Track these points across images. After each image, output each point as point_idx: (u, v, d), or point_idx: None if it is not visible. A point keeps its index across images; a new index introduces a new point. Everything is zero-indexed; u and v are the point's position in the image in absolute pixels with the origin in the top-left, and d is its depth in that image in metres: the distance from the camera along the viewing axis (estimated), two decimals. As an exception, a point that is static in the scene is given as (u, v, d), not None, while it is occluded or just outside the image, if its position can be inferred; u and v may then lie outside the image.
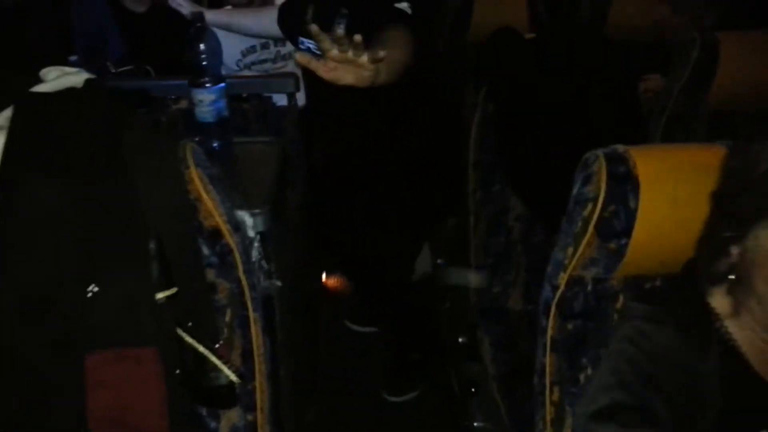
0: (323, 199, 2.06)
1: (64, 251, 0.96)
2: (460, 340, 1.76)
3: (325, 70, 1.23)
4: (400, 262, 2.15)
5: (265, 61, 2.75)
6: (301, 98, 2.27)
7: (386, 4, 1.57)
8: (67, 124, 1.01)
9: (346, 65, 1.23)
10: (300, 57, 1.25)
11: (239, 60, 2.73)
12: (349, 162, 1.99)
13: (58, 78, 1.18)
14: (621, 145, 1.03)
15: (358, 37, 1.20)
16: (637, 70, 1.83)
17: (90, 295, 0.96)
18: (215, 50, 1.58)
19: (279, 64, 2.75)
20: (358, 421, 2.08)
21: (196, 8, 2.22)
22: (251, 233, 1.32)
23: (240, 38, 2.71)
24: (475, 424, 1.61)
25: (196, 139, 1.58)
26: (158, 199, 1.00)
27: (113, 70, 1.91)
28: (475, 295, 1.79)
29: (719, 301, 0.93)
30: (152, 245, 0.98)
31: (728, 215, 0.88)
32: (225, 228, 1.05)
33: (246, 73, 2.74)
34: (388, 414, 2.16)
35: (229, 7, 2.70)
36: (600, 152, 1.02)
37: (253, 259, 1.32)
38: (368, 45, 1.32)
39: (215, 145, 1.59)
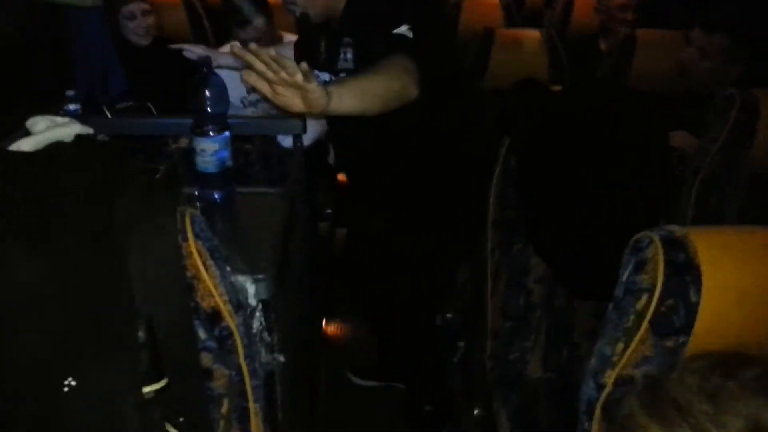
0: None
1: (40, 338, 0.83)
2: (475, 412, 1.62)
3: (272, 96, 1.24)
4: (415, 308, 2.03)
5: (270, 98, 2.65)
6: (307, 139, 2.17)
7: (384, 32, 1.51)
8: (51, 189, 0.88)
9: (293, 90, 1.23)
10: (246, 76, 1.23)
11: (244, 97, 2.63)
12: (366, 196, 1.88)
13: (46, 130, 1.07)
14: (678, 227, 0.91)
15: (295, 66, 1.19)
16: (665, 126, 1.72)
17: (67, 389, 0.83)
18: (221, 96, 1.46)
19: (285, 102, 2.66)
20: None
21: (206, 51, 2.11)
22: (253, 301, 1.19)
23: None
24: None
25: (196, 192, 1.46)
26: (151, 277, 0.87)
27: (109, 115, 1.78)
28: (491, 361, 1.65)
29: None
30: (141, 333, 0.85)
31: None
32: (225, 309, 0.93)
33: (250, 110, 2.64)
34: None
35: (236, 43, 2.61)
36: (655, 235, 0.90)
37: (254, 331, 1.18)
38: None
39: (216, 197, 1.47)
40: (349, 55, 1.63)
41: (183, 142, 2.27)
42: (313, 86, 1.20)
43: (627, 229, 1.58)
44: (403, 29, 1.49)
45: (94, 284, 0.85)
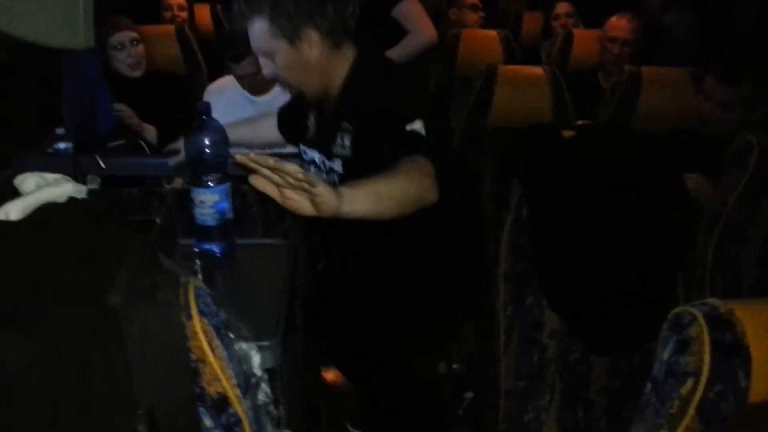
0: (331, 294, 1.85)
1: (32, 430, 0.75)
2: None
3: (281, 200, 1.15)
4: (410, 366, 1.94)
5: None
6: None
7: (397, 127, 1.39)
8: (43, 263, 0.80)
9: (301, 193, 1.15)
10: (253, 181, 1.14)
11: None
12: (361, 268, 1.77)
13: (36, 190, 0.99)
14: (721, 302, 0.85)
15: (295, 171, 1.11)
16: (678, 170, 1.67)
17: (58, 489, 0.75)
18: (220, 143, 1.40)
19: (281, 139, 2.60)
20: None
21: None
22: (258, 372, 1.11)
23: (242, 109, 2.55)
24: None
25: (194, 247, 1.39)
26: (153, 362, 0.79)
27: (102, 164, 1.71)
28: (504, 423, 1.57)
29: None
30: (141, 424, 0.77)
31: None
32: (233, 393, 0.85)
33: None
34: None
35: (231, 77, 2.55)
36: (698, 311, 0.83)
37: (260, 403, 1.10)
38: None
39: (216, 251, 1.40)
40: (347, 142, 1.52)
41: (177, 183, 2.20)
42: (320, 190, 1.13)
43: (645, 280, 1.54)
44: (417, 125, 1.39)
45: (88, 372, 0.77)
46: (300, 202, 1.16)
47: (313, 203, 1.15)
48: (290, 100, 1.91)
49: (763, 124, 1.82)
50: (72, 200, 0.95)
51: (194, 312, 0.83)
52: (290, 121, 1.82)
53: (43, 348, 0.77)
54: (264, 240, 1.54)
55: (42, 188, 1.01)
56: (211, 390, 0.83)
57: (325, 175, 1.59)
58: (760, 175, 1.49)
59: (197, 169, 1.39)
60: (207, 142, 1.38)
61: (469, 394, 1.93)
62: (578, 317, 1.55)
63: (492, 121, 2.31)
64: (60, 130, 2.15)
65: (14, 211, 0.94)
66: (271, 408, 1.11)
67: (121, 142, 2.24)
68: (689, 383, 0.82)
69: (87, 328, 0.79)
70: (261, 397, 1.11)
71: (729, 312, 0.83)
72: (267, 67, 1.54)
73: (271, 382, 1.14)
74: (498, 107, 2.29)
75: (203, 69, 3.10)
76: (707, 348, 0.81)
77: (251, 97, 2.56)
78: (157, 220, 1.37)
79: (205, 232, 1.38)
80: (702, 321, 0.83)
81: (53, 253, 0.83)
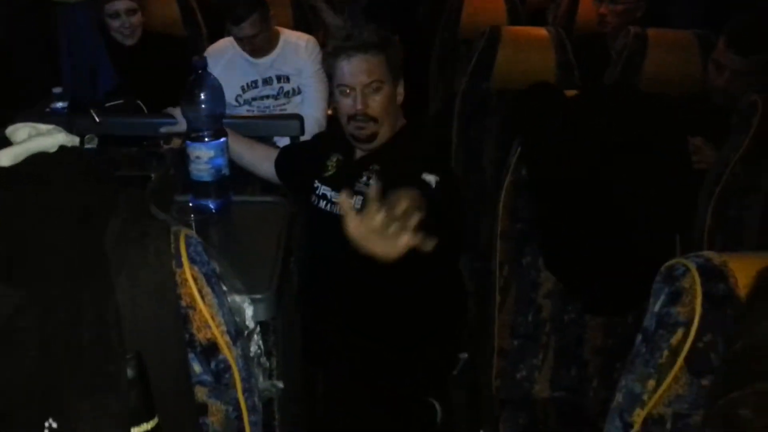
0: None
1: (18, 376, 0.75)
2: (481, 432, 1.56)
3: (355, 228, 1.06)
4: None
5: (266, 97, 2.58)
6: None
7: (412, 173, 1.46)
8: (35, 209, 0.80)
9: (379, 235, 1.07)
10: (343, 201, 1.08)
11: (239, 95, 2.55)
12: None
13: (27, 140, 0.98)
14: (715, 254, 0.84)
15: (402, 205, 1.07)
16: (682, 133, 1.64)
17: (48, 430, 0.75)
18: (217, 99, 1.38)
19: (281, 101, 2.59)
20: None
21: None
22: (250, 324, 1.11)
23: (242, 72, 2.54)
24: None
25: (189, 202, 1.38)
26: (142, 308, 0.80)
27: (96, 118, 1.69)
28: (497, 380, 1.58)
29: None
30: (130, 370, 0.77)
31: None
32: (223, 340, 0.85)
33: (245, 108, 2.56)
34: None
35: (230, 39, 2.52)
36: (691, 262, 0.83)
37: (252, 355, 1.11)
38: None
39: (212, 207, 1.39)
40: (371, 181, 1.58)
41: (175, 143, 2.19)
42: (404, 245, 1.07)
43: (643, 241, 1.53)
44: (431, 178, 1.45)
45: (78, 316, 0.77)
46: (374, 239, 1.08)
47: (385, 246, 1.08)
48: (300, 143, 1.93)
49: None
50: (63, 149, 0.94)
51: (185, 260, 0.83)
52: (296, 164, 1.80)
53: (32, 294, 0.77)
54: (260, 197, 1.54)
55: (33, 138, 1.00)
56: (201, 336, 0.84)
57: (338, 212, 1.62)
58: (763, 135, 1.47)
59: (193, 125, 1.38)
60: (203, 97, 1.36)
61: (464, 355, 1.93)
62: (574, 278, 1.55)
63: (495, 84, 2.28)
64: (57, 90, 2.14)
65: (4, 159, 0.93)
66: (263, 360, 1.12)
67: (119, 101, 2.22)
68: (679, 333, 0.82)
69: (76, 275, 0.78)
70: (253, 348, 1.12)
71: (723, 263, 0.82)
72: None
73: (264, 335, 1.15)
74: (501, 69, 2.26)
75: (203, 31, 3.05)
76: (699, 298, 0.81)
77: (251, 59, 2.54)
78: (152, 176, 1.37)
79: (200, 188, 1.38)
80: (695, 272, 0.82)
81: (43, 202, 0.82)
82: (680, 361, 0.82)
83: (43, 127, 1.05)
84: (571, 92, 1.55)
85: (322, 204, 1.67)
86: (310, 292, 1.71)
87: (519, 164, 1.52)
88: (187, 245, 0.84)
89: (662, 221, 1.54)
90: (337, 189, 1.66)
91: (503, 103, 2.29)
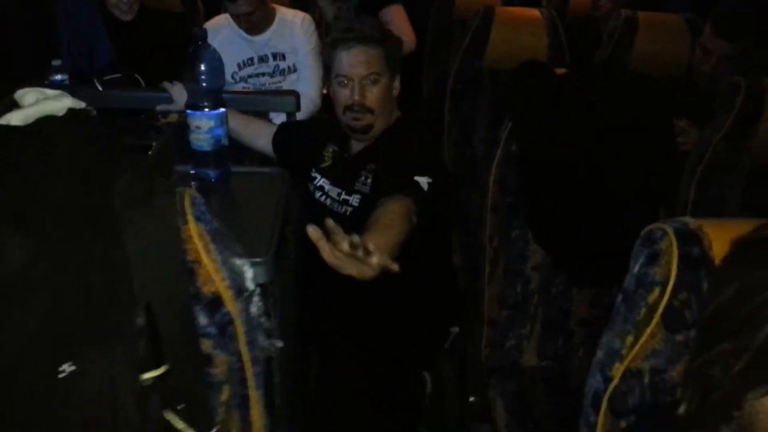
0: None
1: (35, 321, 0.80)
2: (470, 399, 1.61)
3: (328, 255, 1.11)
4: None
5: (262, 74, 2.60)
6: (301, 117, 2.13)
7: (406, 173, 1.50)
8: (45, 167, 0.84)
9: (351, 259, 1.13)
10: (312, 232, 1.11)
11: (235, 72, 2.58)
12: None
13: (36, 103, 1.02)
14: (691, 219, 0.89)
15: (366, 244, 1.13)
16: (669, 113, 1.70)
17: (63, 375, 0.80)
18: (217, 70, 1.42)
19: (277, 79, 2.61)
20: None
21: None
22: (250, 285, 1.16)
23: (238, 49, 2.56)
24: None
25: (191, 170, 1.42)
26: (150, 261, 0.84)
27: (99, 87, 1.72)
28: (486, 349, 1.64)
29: None
30: (139, 319, 0.82)
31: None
32: (227, 294, 0.90)
33: (241, 86, 2.59)
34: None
35: (227, 16, 2.55)
36: (669, 227, 0.88)
37: (252, 315, 1.15)
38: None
39: (212, 176, 1.43)
40: (369, 180, 1.63)
41: (173, 118, 2.22)
42: (375, 267, 1.14)
43: (628, 217, 1.58)
44: (424, 180, 1.49)
45: (89, 267, 0.81)
46: (349, 263, 1.13)
47: (359, 268, 1.14)
48: (297, 123, 1.96)
49: (758, 68, 1.82)
50: (71, 112, 0.98)
51: (189, 217, 0.87)
52: (293, 144, 1.83)
53: (44, 245, 0.81)
54: (259, 168, 1.58)
55: (42, 101, 1.04)
56: (206, 290, 0.88)
57: (337, 206, 1.68)
58: (745, 115, 1.52)
59: (193, 95, 1.41)
60: (203, 68, 1.40)
61: (455, 329, 1.99)
62: (562, 251, 1.61)
63: (487, 63, 2.32)
64: (57, 62, 2.16)
65: (15, 120, 0.97)
66: (263, 320, 1.16)
67: (117, 75, 2.24)
68: (656, 292, 0.87)
69: (87, 228, 0.83)
70: (253, 309, 1.16)
71: (698, 228, 0.88)
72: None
73: (263, 297, 1.19)
74: (494, 48, 2.30)
75: (200, 7, 3.07)
76: (675, 260, 0.86)
77: (247, 36, 2.56)
78: (154, 144, 1.40)
79: (200, 157, 1.42)
80: (672, 235, 0.87)
81: (52, 159, 0.86)
82: (657, 317, 0.87)
83: (50, 92, 1.08)
84: (561, 70, 1.59)
85: (318, 195, 1.72)
86: (306, 272, 1.76)
87: (509, 140, 1.57)
88: (192, 204, 0.88)
89: (647, 198, 1.60)
90: (333, 182, 1.71)
91: (495, 81, 2.33)
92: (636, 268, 0.91)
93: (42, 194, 0.83)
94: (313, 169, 1.77)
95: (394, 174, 1.53)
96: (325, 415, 1.71)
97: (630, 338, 0.90)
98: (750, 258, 0.76)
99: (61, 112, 0.99)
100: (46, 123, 0.95)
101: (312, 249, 1.42)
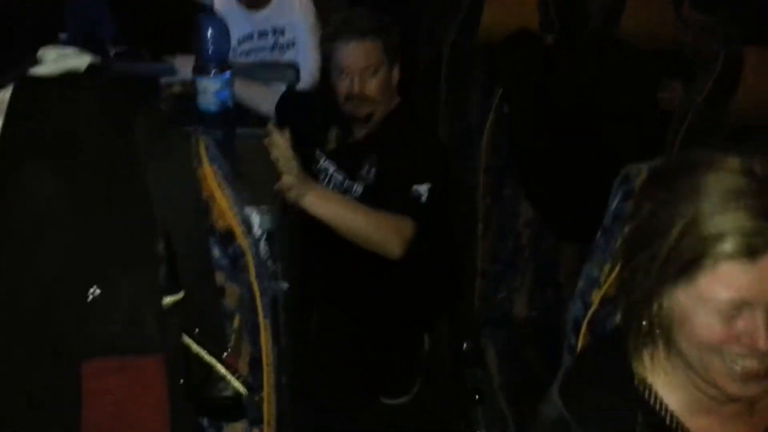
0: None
1: (64, 250, 0.88)
2: (464, 346, 1.70)
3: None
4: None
5: (262, 49, 2.66)
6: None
7: (405, 183, 1.59)
8: (71, 111, 0.92)
9: None
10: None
11: (234, 48, 2.63)
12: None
13: (57, 60, 1.09)
14: (664, 160, 0.98)
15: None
16: (655, 76, 1.78)
17: (91, 298, 0.88)
18: (224, 37, 1.50)
19: (276, 54, 2.66)
20: (353, 425, 1.98)
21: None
22: (258, 231, 1.24)
23: (237, 24, 2.61)
24: (478, 433, 1.56)
25: (201, 129, 1.50)
26: (169, 196, 0.92)
27: (111, 53, 1.80)
28: (479, 300, 1.73)
29: (646, 362, 0.89)
30: (160, 246, 0.90)
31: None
32: (239, 229, 0.98)
33: (241, 61, 2.64)
34: (381, 417, 2.06)
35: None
36: (643, 166, 0.96)
37: (261, 254, 1.24)
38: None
39: (218, 136, 1.51)
40: (373, 171, 1.70)
41: (176, 89, 2.29)
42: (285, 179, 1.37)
43: (614, 173, 1.66)
44: (423, 189, 1.56)
45: (114, 200, 0.89)
46: None
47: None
48: (300, 95, 2.06)
49: (736, 37, 1.90)
50: (92, 66, 1.06)
51: (204, 159, 0.95)
52: (297, 117, 1.89)
53: (71, 180, 0.89)
54: (262, 129, 1.65)
55: (63, 58, 1.11)
56: (219, 224, 0.96)
57: (341, 192, 1.75)
58: (725, 79, 1.60)
59: (201, 60, 1.49)
60: (210, 33, 1.48)
61: None
62: (551, 207, 1.69)
63: (481, 37, 2.39)
64: (64, 36, 2.22)
65: (41, 73, 1.05)
66: (270, 263, 1.25)
67: (123, 49, 2.31)
68: (630, 223, 0.95)
69: (110, 164, 0.90)
70: (261, 251, 1.25)
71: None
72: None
73: (269, 242, 1.28)
74: (487, 24, 2.36)
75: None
76: (647, 193, 0.94)
77: (247, 11, 2.61)
78: (162, 107, 1.48)
79: (207, 118, 1.50)
80: (646, 174, 0.96)
81: (79, 103, 0.94)
82: (631, 245, 0.95)
83: (69, 50, 1.16)
84: (550, 40, 1.67)
85: (321, 177, 1.79)
86: (307, 241, 1.83)
87: (501, 103, 1.65)
88: (207, 148, 0.96)
89: (632, 157, 1.67)
90: (338, 167, 1.79)
91: (488, 55, 2.40)
92: (614, 205, 0.99)
93: (68, 133, 0.90)
94: (318, 150, 1.84)
95: (396, 181, 1.60)
96: (323, 369, 1.80)
97: (607, 267, 0.98)
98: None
99: (82, 68, 1.06)
100: (70, 75, 1.03)
101: (311, 224, 1.54)
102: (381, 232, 1.52)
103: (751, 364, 0.79)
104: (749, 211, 0.76)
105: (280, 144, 1.39)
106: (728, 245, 0.76)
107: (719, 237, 0.77)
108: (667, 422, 0.86)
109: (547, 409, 0.92)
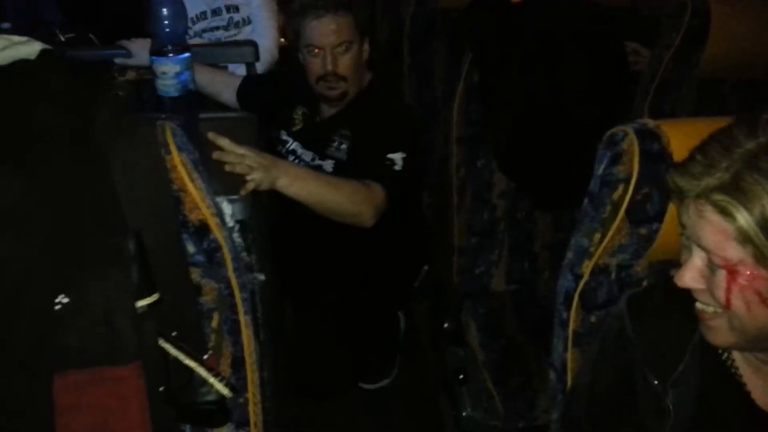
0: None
1: (28, 256, 0.81)
2: (445, 325, 1.67)
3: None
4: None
5: (216, 28, 2.57)
6: (259, 68, 2.12)
7: (380, 152, 1.55)
8: (26, 104, 0.85)
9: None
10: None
11: (188, 27, 2.53)
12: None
13: (5, 48, 1.01)
14: (650, 120, 0.95)
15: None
16: (620, 36, 1.75)
17: (59, 307, 0.82)
18: (180, 15, 1.41)
19: (232, 32, 2.58)
20: (335, 413, 1.94)
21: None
22: (230, 222, 1.19)
23: (190, 3, 2.50)
24: (464, 413, 1.54)
25: (163, 116, 1.42)
26: (137, 190, 0.86)
27: (62, 38, 1.70)
28: (457, 276, 1.70)
29: None
30: (131, 245, 0.84)
31: None
32: (213, 222, 0.92)
33: (196, 41, 2.55)
34: (363, 403, 2.03)
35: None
36: (629, 128, 0.93)
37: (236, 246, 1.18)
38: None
39: (181, 122, 1.43)
40: (344, 146, 1.65)
41: (130, 75, 2.19)
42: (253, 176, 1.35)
43: (586, 139, 1.64)
44: (397, 157, 1.54)
45: (79, 199, 0.83)
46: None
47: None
48: (261, 77, 1.97)
49: None
50: (45, 53, 0.98)
51: (172, 147, 0.89)
52: (259, 100, 1.83)
53: (34, 179, 0.82)
54: (227, 113, 1.59)
55: (11, 47, 1.03)
56: (193, 217, 0.91)
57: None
58: (693, 32, 1.58)
59: (158, 41, 1.41)
60: (165, 12, 1.39)
61: (425, 268, 2.03)
62: (525, 177, 1.66)
63: (441, 4, 2.34)
64: (6, 25, 2.11)
65: (-14, 66, 0.97)
66: (244, 255, 1.20)
67: (71, 35, 2.20)
68: (620, 189, 0.93)
69: (74, 159, 0.84)
70: (235, 244, 1.20)
71: (656, 126, 0.93)
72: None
73: (242, 233, 1.22)
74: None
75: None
76: (637, 157, 0.92)
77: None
78: (120, 93, 1.40)
79: (168, 104, 1.42)
80: (632, 134, 0.93)
81: (35, 95, 0.87)
82: (621, 213, 0.93)
83: (16, 38, 1.07)
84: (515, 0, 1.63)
85: (291, 158, 1.72)
86: (279, 223, 1.78)
87: (471, 71, 1.60)
88: (174, 135, 0.90)
89: (603, 120, 1.65)
90: (306, 146, 1.73)
91: (449, 23, 2.35)
92: (600, 170, 0.96)
93: (28, 129, 0.83)
94: (284, 132, 1.77)
95: (370, 150, 1.56)
96: (302, 358, 1.76)
97: (597, 235, 0.96)
98: None
99: (33, 55, 0.98)
100: (22, 64, 0.95)
101: (285, 200, 1.49)
102: (353, 200, 1.48)
103: None
104: None
105: (228, 146, 1.36)
106: None
107: None
108: (720, 352, 0.86)
109: (610, 323, 0.91)
